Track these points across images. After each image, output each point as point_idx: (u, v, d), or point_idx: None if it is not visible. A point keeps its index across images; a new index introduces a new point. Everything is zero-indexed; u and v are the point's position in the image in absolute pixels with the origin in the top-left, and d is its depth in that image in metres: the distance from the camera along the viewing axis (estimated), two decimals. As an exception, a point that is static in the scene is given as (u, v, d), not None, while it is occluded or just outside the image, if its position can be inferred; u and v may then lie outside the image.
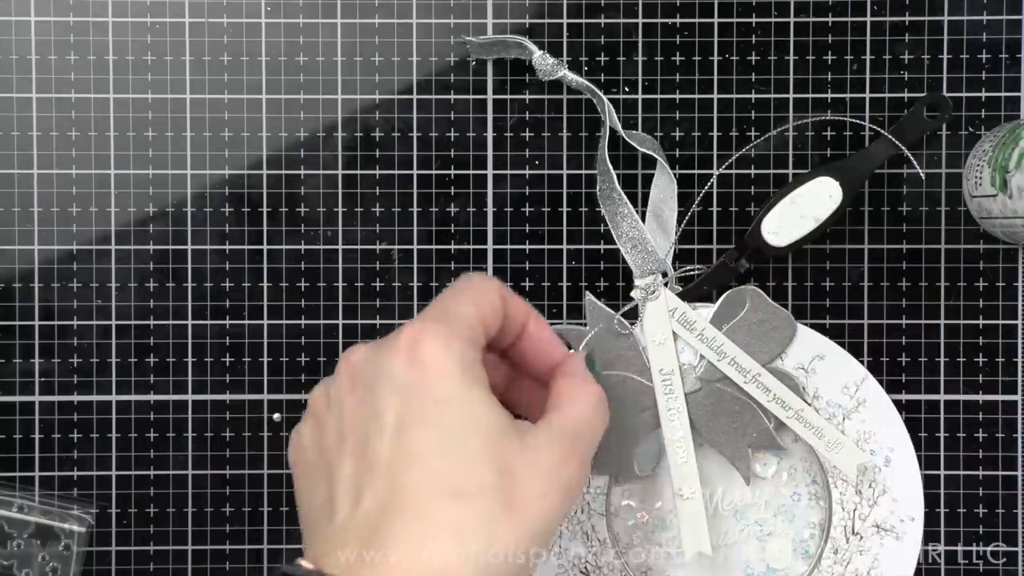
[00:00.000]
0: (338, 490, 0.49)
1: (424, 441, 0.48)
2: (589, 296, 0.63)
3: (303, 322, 0.65)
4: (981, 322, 0.65)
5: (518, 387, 0.58)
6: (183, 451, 0.65)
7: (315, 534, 0.50)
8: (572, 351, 0.58)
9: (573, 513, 0.63)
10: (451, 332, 0.50)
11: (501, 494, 0.47)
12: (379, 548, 0.46)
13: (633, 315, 0.63)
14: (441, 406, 0.48)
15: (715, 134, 0.65)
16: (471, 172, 0.65)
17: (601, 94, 0.63)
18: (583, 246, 0.64)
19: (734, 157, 0.64)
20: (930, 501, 0.64)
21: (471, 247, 0.65)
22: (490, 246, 0.65)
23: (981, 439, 0.65)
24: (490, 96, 0.65)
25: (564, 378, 0.55)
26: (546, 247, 0.65)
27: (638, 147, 0.63)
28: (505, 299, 0.54)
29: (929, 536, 0.65)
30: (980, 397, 0.65)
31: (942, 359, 0.65)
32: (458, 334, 0.50)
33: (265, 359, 0.65)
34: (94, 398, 0.65)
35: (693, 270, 0.64)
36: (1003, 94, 0.64)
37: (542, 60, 0.63)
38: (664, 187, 0.64)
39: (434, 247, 0.65)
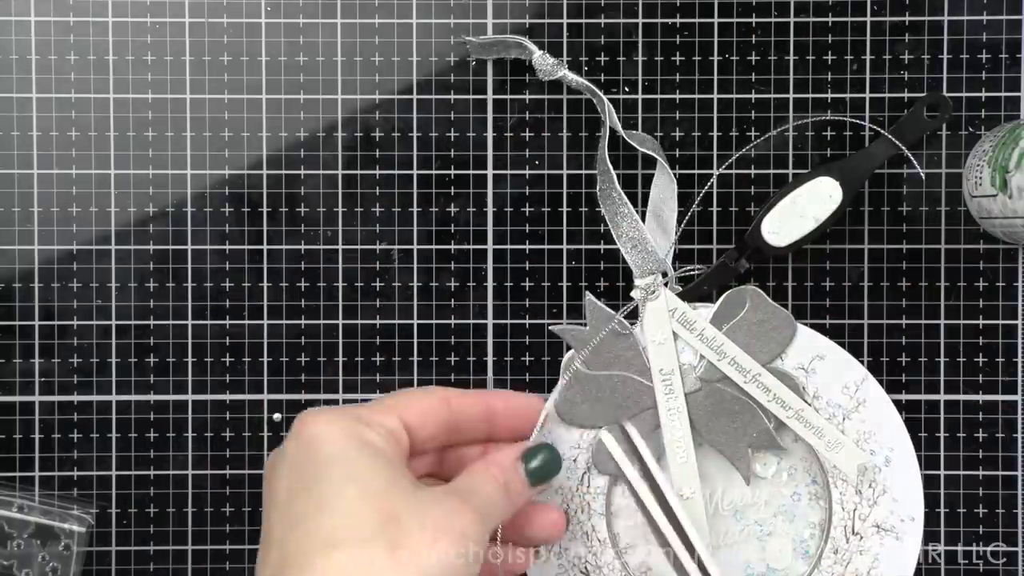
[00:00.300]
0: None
1: (305, 504, 0.50)
2: (589, 296, 0.63)
3: (303, 322, 0.65)
4: (981, 322, 0.65)
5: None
6: (183, 451, 0.65)
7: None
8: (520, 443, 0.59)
9: (573, 513, 0.63)
10: (339, 412, 0.53)
11: (384, 540, 0.49)
12: None
13: (633, 315, 0.63)
14: (323, 468, 0.51)
15: (715, 134, 0.65)
16: (471, 172, 0.65)
17: (601, 94, 0.63)
18: (583, 246, 0.64)
19: (734, 157, 0.64)
20: (930, 501, 0.64)
21: (471, 247, 0.65)
22: (490, 246, 0.65)
23: (981, 439, 0.65)
24: (490, 96, 0.65)
25: (482, 460, 0.57)
26: (546, 247, 0.65)
27: (638, 147, 0.63)
28: (448, 398, 0.57)
29: (929, 536, 0.65)
30: (980, 397, 0.65)
31: (942, 359, 0.65)
32: (347, 414, 0.53)
33: (265, 359, 0.65)
34: (94, 398, 0.65)
35: (693, 270, 0.64)
36: (1003, 94, 0.64)
37: (542, 60, 0.63)
38: (664, 187, 0.64)
39: (434, 247, 0.65)
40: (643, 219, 0.64)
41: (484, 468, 0.55)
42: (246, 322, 0.65)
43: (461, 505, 0.52)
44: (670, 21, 0.65)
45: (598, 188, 0.63)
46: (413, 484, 0.52)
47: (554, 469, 0.57)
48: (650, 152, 0.63)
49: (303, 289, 0.65)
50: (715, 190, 0.65)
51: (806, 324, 0.64)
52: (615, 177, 0.63)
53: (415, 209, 0.65)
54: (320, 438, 0.52)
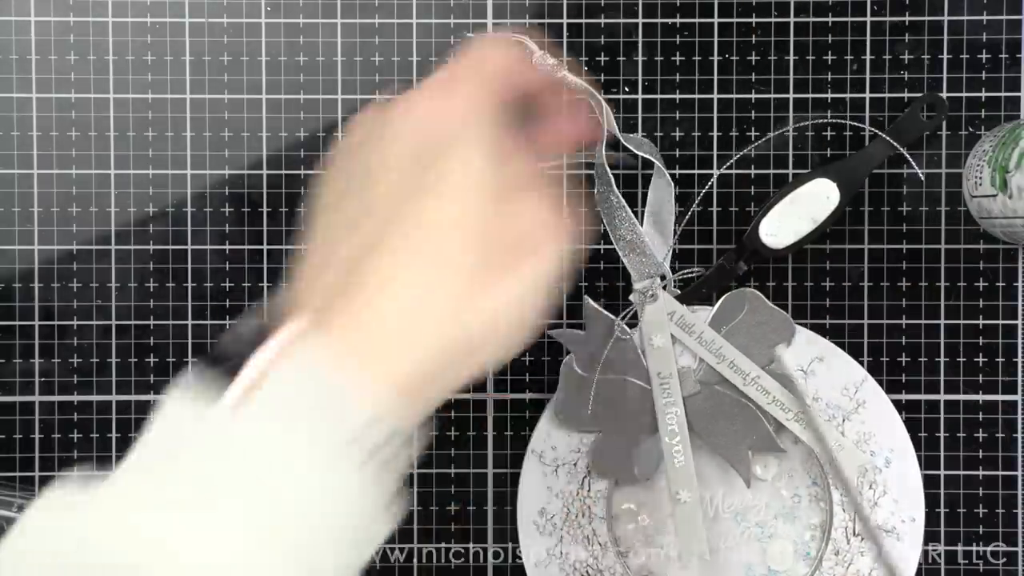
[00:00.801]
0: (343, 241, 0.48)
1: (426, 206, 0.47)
2: (587, 300, 0.63)
3: (303, 322, 0.65)
4: (981, 322, 0.65)
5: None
6: (183, 451, 0.65)
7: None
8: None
9: (574, 517, 0.63)
10: (466, 81, 0.49)
11: (478, 275, 0.46)
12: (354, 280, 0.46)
13: (631, 318, 0.63)
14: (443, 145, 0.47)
15: (715, 134, 0.65)
16: (471, 172, 0.65)
17: (600, 97, 0.63)
18: (583, 246, 0.64)
19: (735, 158, 0.64)
20: (930, 501, 0.64)
21: (471, 247, 0.65)
22: (490, 246, 0.65)
23: (981, 439, 0.65)
24: (490, 96, 0.65)
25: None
26: (546, 247, 0.65)
27: (635, 151, 0.63)
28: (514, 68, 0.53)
29: (929, 536, 0.65)
30: (980, 397, 0.65)
31: (942, 359, 0.65)
32: (474, 80, 0.50)
33: (265, 359, 0.65)
34: (94, 398, 0.65)
35: (692, 272, 0.64)
36: (1003, 94, 0.64)
37: (542, 60, 0.63)
38: (662, 190, 0.64)
39: (434, 247, 0.65)
40: (641, 220, 0.64)
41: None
42: (246, 322, 0.65)
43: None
44: (670, 21, 0.65)
45: (596, 192, 0.63)
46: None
47: None
48: (647, 156, 0.63)
49: (303, 289, 0.65)
50: (715, 190, 0.65)
51: (806, 325, 0.64)
52: (613, 180, 0.63)
53: (415, 209, 0.65)
54: (463, 108, 0.48)
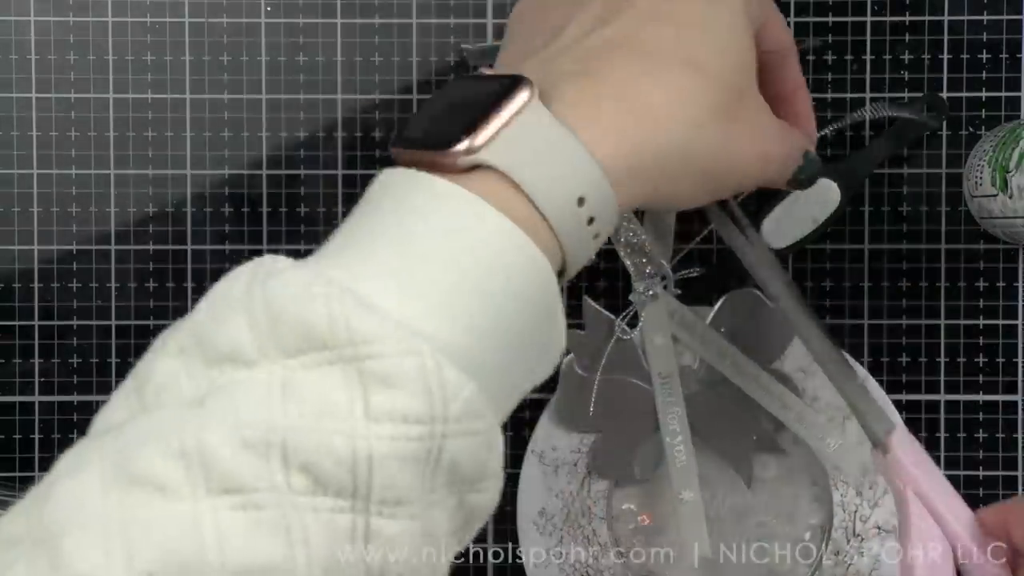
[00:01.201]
0: (573, 20, 0.46)
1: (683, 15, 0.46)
2: (587, 300, 0.63)
3: (303, 322, 0.65)
4: (981, 322, 0.65)
5: None
6: (183, 451, 0.65)
7: (527, 59, 0.46)
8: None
9: (574, 517, 0.63)
10: None
11: (728, 103, 0.45)
12: (593, 74, 0.44)
13: (632, 318, 0.63)
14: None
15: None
16: (471, 172, 0.65)
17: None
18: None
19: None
20: (930, 501, 0.64)
21: (471, 247, 0.65)
22: (490, 246, 0.65)
23: (981, 439, 0.65)
24: (490, 96, 0.65)
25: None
26: (546, 247, 0.65)
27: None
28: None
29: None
30: (980, 397, 0.65)
31: (942, 359, 0.65)
32: None
33: (265, 359, 0.65)
34: (94, 398, 0.65)
35: (692, 272, 0.64)
36: (1003, 94, 0.64)
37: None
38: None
39: (434, 247, 0.65)
40: (641, 220, 0.64)
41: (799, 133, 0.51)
42: (246, 322, 0.65)
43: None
44: (670, 21, 0.64)
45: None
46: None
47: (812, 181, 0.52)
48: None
49: (303, 289, 0.65)
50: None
51: (806, 324, 0.64)
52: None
53: (415, 209, 0.65)
54: None
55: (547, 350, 0.42)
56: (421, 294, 0.39)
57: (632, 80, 0.44)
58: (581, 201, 0.42)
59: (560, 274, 0.43)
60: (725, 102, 0.45)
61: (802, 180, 0.51)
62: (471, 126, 0.41)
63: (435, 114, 0.43)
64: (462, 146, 0.40)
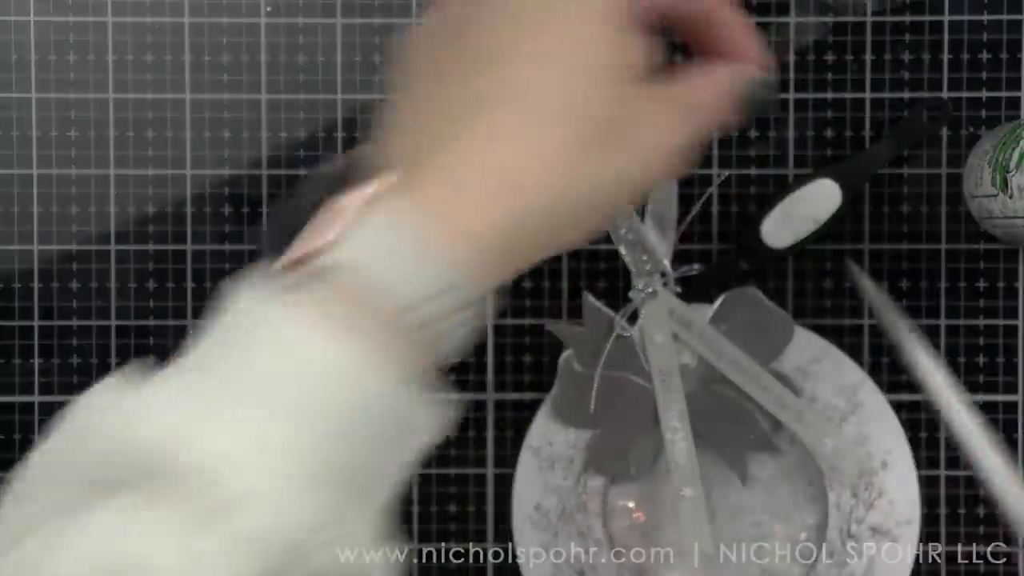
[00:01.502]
0: (454, 68, 0.44)
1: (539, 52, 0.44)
2: (587, 296, 0.63)
3: (303, 322, 0.65)
4: (981, 322, 0.65)
5: None
6: (183, 451, 0.65)
7: (409, 122, 0.45)
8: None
9: (570, 513, 0.63)
10: None
11: (604, 132, 0.43)
12: (464, 137, 0.43)
13: (632, 316, 0.63)
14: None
15: (715, 134, 0.65)
16: (471, 172, 0.65)
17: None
18: (583, 246, 0.64)
19: (734, 158, 0.64)
20: (930, 501, 0.64)
21: (471, 247, 0.65)
22: (490, 246, 0.65)
23: (981, 439, 0.65)
24: (490, 96, 0.65)
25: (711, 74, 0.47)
26: (546, 247, 0.65)
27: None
28: None
29: (929, 536, 0.65)
30: (980, 397, 0.65)
31: (942, 359, 0.65)
32: None
33: (265, 359, 0.65)
34: (94, 398, 0.65)
35: (692, 271, 0.64)
36: (1003, 94, 0.64)
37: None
38: (664, 188, 0.64)
39: (434, 247, 0.65)
40: (642, 218, 0.64)
41: (713, 84, 0.47)
42: (246, 322, 0.65)
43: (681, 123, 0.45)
44: (670, 21, 0.64)
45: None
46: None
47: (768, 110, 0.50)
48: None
49: (303, 289, 0.65)
50: (715, 191, 0.65)
51: (806, 325, 0.64)
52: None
53: (415, 209, 0.65)
54: None
55: (407, 444, 0.42)
56: (258, 432, 0.39)
57: (498, 141, 0.43)
58: (439, 293, 0.41)
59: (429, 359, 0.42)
60: (601, 133, 0.43)
61: (759, 108, 0.48)
62: (318, 231, 0.41)
63: (290, 218, 0.43)
64: (310, 249, 0.41)
